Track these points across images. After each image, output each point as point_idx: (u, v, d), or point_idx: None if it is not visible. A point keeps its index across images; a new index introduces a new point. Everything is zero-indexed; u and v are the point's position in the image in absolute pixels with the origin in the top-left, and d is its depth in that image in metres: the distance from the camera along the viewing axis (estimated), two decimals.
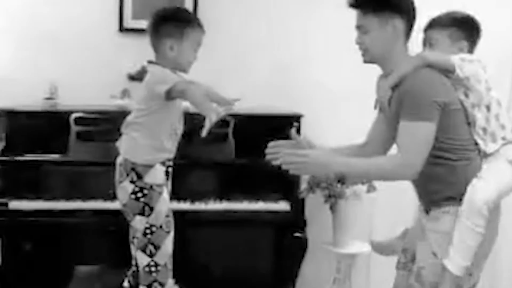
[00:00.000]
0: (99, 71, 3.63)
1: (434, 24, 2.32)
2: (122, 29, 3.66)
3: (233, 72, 3.76)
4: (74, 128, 3.17)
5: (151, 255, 2.49)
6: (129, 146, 2.51)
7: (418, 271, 2.21)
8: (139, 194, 2.46)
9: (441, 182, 2.16)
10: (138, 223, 2.48)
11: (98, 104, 3.42)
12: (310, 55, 3.80)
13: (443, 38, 2.28)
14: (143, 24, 3.57)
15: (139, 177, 2.46)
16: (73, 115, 3.18)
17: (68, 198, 3.03)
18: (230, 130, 3.26)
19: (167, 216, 2.53)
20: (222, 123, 3.25)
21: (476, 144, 2.20)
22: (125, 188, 2.48)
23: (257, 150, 3.25)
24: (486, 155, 2.19)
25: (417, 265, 2.23)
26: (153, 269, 2.50)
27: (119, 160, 2.53)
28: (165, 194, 2.56)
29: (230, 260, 3.23)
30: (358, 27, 2.24)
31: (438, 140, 2.10)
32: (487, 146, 2.18)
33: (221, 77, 3.73)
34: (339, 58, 3.64)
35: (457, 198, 2.14)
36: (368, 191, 3.48)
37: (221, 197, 3.13)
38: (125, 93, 3.45)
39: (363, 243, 3.63)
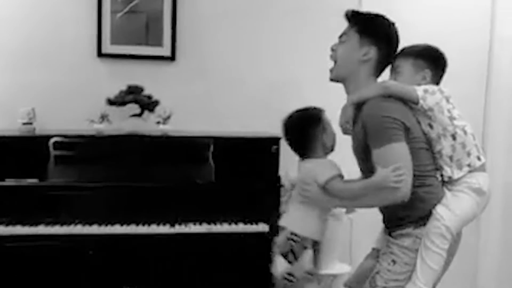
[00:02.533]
0: (77, 95, 3.64)
1: (400, 54, 2.37)
2: (100, 54, 3.67)
3: (220, 93, 3.82)
4: (53, 153, 3.16)
5: None
6: None
7: (373, 276, 2.26)
8: None
9: (400, 206, 2.14)
10: None
11: (76, 129, 3.42)
12: (296, 77, 3.87)
13: (407, 67, 2.33)
14: (122, 49, 3.66)
15: None
16: (52, 140, 3.17)
17: (48, 222, 3.00)
18: (210, 153, 3.27)
19: None
20: (203, 145, 3.27)
21: (437, 169, 2.24)
22: None
23: (237, 172, 3.29)
24: (452, 181, 2.23)
25: (375, 271, 2.27)
26: None
27: None
28: None
29: (211, 283, 3.21)
30: (341, 35, 2.32)
31: None
32: (453, 172, 2.22)
33: (209, 98, 3.77)
34: (324, 81, 3.69)
35: (418, 222, 2.17)
36: (348, 212, 3.50)
37: (201, 219, 3.12)
38: (104, 117, 3.45)
39: (343, 264, 3.65)
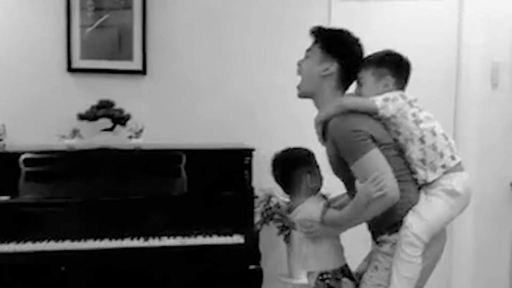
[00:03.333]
0: (48, 111, 3.62)
1: (361, 64, 2.40)
2: (70, 69, 3.65)
3: (188, 108, 3.80)
4: (24, 169, 3.13)
5: None
6: None
7: (359, 284, 2.30)
8: None
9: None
10: None
11: (48, 145, 3.39)
12: (267, 88, 3.89)
13: (368, 77, 2.35)
14: (92, 63, 3.65)
15: None
16: (23, 156, 3.14)
17: (20, 240, 2.97)
18: (182, 166, 3.27)
19: None
20: (175, 158, 3.27)
21: (412, 173, 2.26)
22: None
23: (210, 184, 3.29)
24: (428, 184, 2.24)
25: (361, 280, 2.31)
26: None
27: None
28: None
29: None
30: (307, 50, 2.37)
31: None
32: (428, 175, 2.23)
33: (180, 111, 3.77)
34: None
35: (392, 228, 2.20)
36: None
37: (175, 233, 3.11)
38: (75, 132, 3.43)
39: None
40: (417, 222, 2.16)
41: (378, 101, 2.21)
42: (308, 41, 2.37)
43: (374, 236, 2.32)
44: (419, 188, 2.26)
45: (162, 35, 3.77)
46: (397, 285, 2.15)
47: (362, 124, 2.16)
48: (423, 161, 2.22)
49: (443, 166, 2.22)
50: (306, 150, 2.43)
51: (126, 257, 3.01)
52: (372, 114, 2.22)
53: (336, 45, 2.32)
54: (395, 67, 2.36)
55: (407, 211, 2.19)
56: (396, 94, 2.25)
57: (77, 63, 3.67)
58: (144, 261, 3.06)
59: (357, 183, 2.12)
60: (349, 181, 2.25)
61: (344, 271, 2.36)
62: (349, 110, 2.19)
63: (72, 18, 3.63)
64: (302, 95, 2.38)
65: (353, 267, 2.40)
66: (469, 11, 3.93)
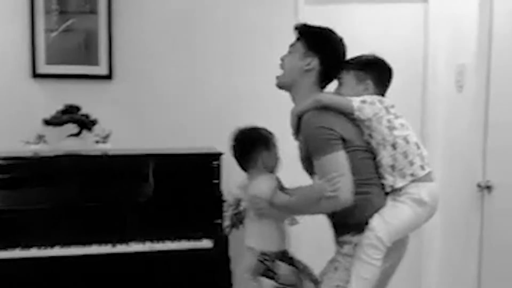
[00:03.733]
0: (12, 117, 3.56)
1: (343, 66, 2.42)
2: (35, 74, 3.59)
3: (155, 113, 3.78)
4: None
5: None
6: None
7: (319, 285, 2.34)
8: None
9: (340, 212, 2.19)
10: None
11: (12, 151, 3.33)
12: (236, 95, 3.87)
13: (350, 78, 2.39)
14: (57, 68, 3.60)
15: None
16: None
17: None
18: (150, 170, 3.24)
19: None
20: (142, 163, 3.24)
21: (380, 178, 2.27)
22: None
23: (178, 189, 3.26)
24: (395, 191, 2.26)
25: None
26: None
27: None
28: None
29: None
30: (290, 45, 2.42)
31: None
32: (396, 182, 2.24)
33: (147, 116, 3.74)
34: (263, 98, 3.72)
35: (354, 229, 2.21)
36: (291, 224, 3.50)
37: (143, 238, 3.07)
38: (40, 138, 3.38)
39: None
40: (382, 226, 2.17)
41: (355, 102, 2.23)
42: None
43: (336, 236, 2.33)
44: (386, 194, 2.28)
45: (128, 39, 3.74)
46: (355, 286, 2.16)
47: (335, 124, 2.18)
48: (392, 167, 2.24)
49: (412, 175, 2.24)
50: (267, 130, 2.52)
51: (93, 263, 2.97)
52: (347, 114, 2.23)
53: (319, 42, 2.36)
54: (377, 72, 2.40)
55: (370, 214, 2.20)
56: (374, 98, 2.27)
57: (42, 68, 3.61)
58: (112, 267, 3.02)
59: (315, 178, 2.20)
60: (315, 177, 2.29)
61: (284, 255, 2.46)
62: (325, 106, 2.21)
63: (36, 23, 3.58)
64: (280, 85, 2.42)
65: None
66: (434, 14, 3.97)
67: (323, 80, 2.36)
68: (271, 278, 2.39)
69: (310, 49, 2.34)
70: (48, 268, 2.93)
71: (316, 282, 2.43)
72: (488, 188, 3.45)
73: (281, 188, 2.43)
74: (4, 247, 2.93)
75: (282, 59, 2.42)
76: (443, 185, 3.67)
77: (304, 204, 2.23)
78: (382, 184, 2.28)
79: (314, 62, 2.32)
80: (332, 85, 2.43)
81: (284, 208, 2.32)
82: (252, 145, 2.46)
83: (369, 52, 2.47)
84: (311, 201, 2.17)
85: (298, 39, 2.40)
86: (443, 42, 3.95)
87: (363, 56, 2.44)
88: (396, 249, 2.26)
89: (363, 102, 2.23)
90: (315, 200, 2.14)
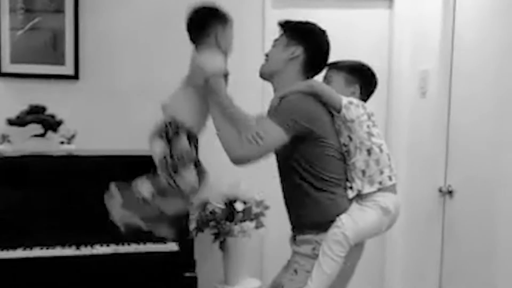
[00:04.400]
0: None
1: (333, 66, 2.48)
2: (0, 73, 3.55)
3: (121, 114, 3.76)
4: None
5: None
6: None
7: None
8: None
9: (303, 208, 2.27)
10: None
11: None
12: None
13: (338, 79, 2.43)
14: (22, 68, 3.56)
15: None
16: None
17: None
18: (115, 171, 3.21)
19: None
20: (108, 164, 3.22)
21: (348, 181, 2.32)
22: None
23: None
24: (361, 196, 2.30)
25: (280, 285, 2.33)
26: None
27: None
28: None
29: None
30: (274, 40, 2.46)
31: (305, 163, 2.24)
32: (364, 187, 2.29)
33: (114, 116, 3.73)
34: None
35: (317, 228, 2.25)
36: (257, 227, 3.53)
37: (108, 241, 3.06)
38: (4, 138, 3.34)
39: (254, 279, 3.68)
40: (350, 224, 2.22)
41: (344, 100, 2.25)
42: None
43: (296, 234, 2.36)
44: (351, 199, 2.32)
45: (95, 39, 3.72)
46: (316, 280, 2.20)
47: (314, 113, 2.23)
48: (363, 172, 2.28)
49: (380, 183, 2.29)
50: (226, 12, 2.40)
51: (57, 266, 2.94)
52: (333, 109, 2.26)
53: (301, 31, 2.41)
54: (367, 80, 2.48)
55: (334, 214, 2.24)
56: (359, 102, 2.32)
57: (7, 67, 3.57)
58: (76, 270, 2.99)
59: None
60: (284, 164, 2.33)
61: (190, 134, 2.31)
62: (314, 93, 2.24)
63: (1, 21, 3.53)
64: (263, 75, 2.44)
65: None
66: (398, 20, 4.04)
67: (308, 70, 2.38)
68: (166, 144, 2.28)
69: (293, 38, 2.38)
70: (6, 271, 2.89)
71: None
72: (450, 193, 3.52)
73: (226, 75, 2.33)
74: None
75: (267, 54, 2.45)
76: (406, 189, 3.74)
77: (229, 112, 2.20)
78: (350, 188, 2.31)
79: (298, 51, 2.35)
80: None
81: (216, 94, 2.22)
82: (207, 16, 2.35)
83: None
84: (236, 120, 2.18)
85: (281, 34, 2.44)
86: (407, 48, 4.02)
87: (355, 61, 2.51)
88: (356, 250, 2.31)
89: (350, 103, 2.27)
90: (238, 124, 2.17)
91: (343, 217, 2.23)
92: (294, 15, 2.49)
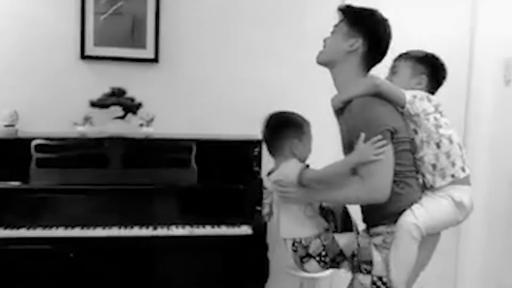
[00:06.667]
0: (60, 98, 3.63)
1: (401, 55, 2.43)
2: (83, 56, 3.66)
3: (200, 98, 3.82)
4: (35, 155, 3.15)
5: None
6: None
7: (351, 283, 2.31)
8: None
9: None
10: None
11: (59, 132, 3.42)
12: (278, 79, 3.88)
13: (406, 69, 2.39)
14: (105, 51, 3.66)
15: None
16: (34, 142, 3.16)
17: (30, 226, 2.99)
18: (192, 156, 3.27)
19: None
20: (185, 148, 3.28)
21: (417, 172, 2.27)
22: None
23: (219, 175, 3.30)
24: (433, 189, 2.25)
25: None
26: None
27: None
28: None
29: (193, 286, 3.22)
30: (334, 26, 2.38)
31: None
32: (435, 181, 2.24)
33: (192, 101, 3.77)
34: (307, 83, 3.72)
35: (389, 218, 2.20)
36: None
37: (183, 222, 3.13)
38: (87, 119, 3.45)
39: None
40: (421, 213, 2.17)
41: (407, 95, 2.21)
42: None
43: (368, 227, 2.32)
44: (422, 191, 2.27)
45: (175, 23, 3.77)
46: (394, 271, 2.15)
47: (387, 115, 2.17)
48: (434, 166, 2.23)
49: (453, 176, 2.23)
50: (301, 117, 2.39)
51: (134, 245, 3.04)
52: (397, 105, 2.22)
53: (362, 21, 2.31)
54: (435, 70, 2.40)
55: (406, 205, 2.19)
56: (424, 94, 2.26)
57: (91, 50, 3.67)
58: (152, 250, 3.09)
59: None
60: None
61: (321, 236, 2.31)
62: (381, 93, 2.18)
63: (86, 5, 3.63)
64: (322, 62, 2.37)
65: None
66: (481, 6, 3.91)
67: (368, 61, 2.31)
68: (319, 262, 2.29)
69: (353, 28, 2.29)
70: (90, 248, 3.00)
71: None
72: None
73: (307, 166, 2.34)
74: (48, 226, 3.01)
75: (325, 40, 2.38)
76: (485, 183, 3.64)
77: (338, 171, 2.17)
78: (422, 182, 2.28)
79: (357, 44, 2.28)
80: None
81: (314, 182, 2.22)
82: (280, 130, 2.34)
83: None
84: (348, 167, 2.16)
85: (341, 20, 2.37)
86: (490, 35, 3.88)
87: (423, 51, 2.43)
88: (431, 240, 2.26)
89: (414, 97, 2.22)
90: (347, 174, 2.14)
91: (415, 207, 2.18)
92: (370, 3, 2.42)
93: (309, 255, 2.31)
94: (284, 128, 2.35)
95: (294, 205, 2.33)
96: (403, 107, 2.21)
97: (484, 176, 3.71)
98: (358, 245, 2.25)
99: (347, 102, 2.24)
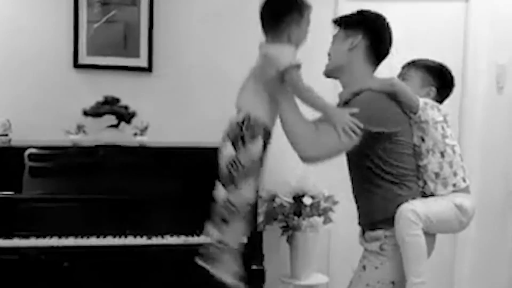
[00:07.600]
0: (53, 106, 3.62)
1: (412, 64, 2.43)
2: (76, 65, 3.65)
3: (194, 106, 3.80)
4: (28, 164, 3.13)
5: None
6: None
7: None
8: None
9: (373, 203, 2.21)
10: None
11: (52, 140, 3.40)
12: None
13: (416, 78, 2.38)
14: (98, 60, 3.65)
15: None
16: (27, 151, 3.14)
17: (23, 235, 2.97)
18: (187, 164, 3.27)
19: None
20: (180, 157, 3.26)
21: (419, 178, 2.26)
22: None
23: (214, 184, 3.28)
24: (433, 195, 2.25)
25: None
26: None
27: None
28: None
29: None
30: (332, 37, 2.38)
31: (377, 158, 2.17)
32: (436, 189, 2.24)
33: (186, 109, 3.77)
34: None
35: (387, 223, 2.18)
36: (325, 222, 3.52)
37: (178, 231, 3.11)
38: (80, 128, 3.43)
39: (321, 275, 3.66)
40: (418, 203, 2.16)
41: (420, 101, 2.21)
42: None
43: (364, 232, 2.30)
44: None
45: (169, 32, 3.77)
46: (412, 269, 2.12)
47: (389, 117, 2.17)
48: (437, 174, 2.23)
49: (454, 185, 2.24)
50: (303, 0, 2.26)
51: (128, 254, 3.02)
52: (409, 109, 2.21)
53: (356, 20, 2.32)
54: (444, 82, 2.41)
55: None
56: (434, 103, 2.26)
57: (84, 59, 3.67)
58: (146, 259, 3.06)
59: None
60: (353, 159, 2.26)
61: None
62: (396, 92, 2.18)
63: (79, 14, 3.63)
64: (329, 73, 2.35)
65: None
66: (475, 14, 3.92)
67: (372, 56, 2.30)
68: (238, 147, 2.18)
69: (349, 29, 2.30)
70: (84, 257, 2.98)
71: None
72: None
73: None
74: (41, 235, 2.99)
75: (329, 54, 2.37)
76: (478, 190, 3.64)
77: (314, 103, 2.09)
78: (422, 190, 2.27)
79: (356, 40, 2.27)
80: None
81: (293, 88, 2.11)
82: (282, 14, 2.20)
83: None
84: (323, 112, 2.12)
85: (338, 30, 2.37)
86: (483, 41, 3.90)
87: (434, 62, 2.44)
88: (427, 243, 2.21)
89: (425, 104, 2.22)
90: (326, 118, 2.10)
91: (412, 200, 2.17)
92: (368, 8, 2.42)
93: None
94: (286, 13, 2.21)
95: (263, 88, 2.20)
96: (415, 113, 2.20)
97: (476, 182, 3.71)
98: None
99: (356, 94, 2.21)
